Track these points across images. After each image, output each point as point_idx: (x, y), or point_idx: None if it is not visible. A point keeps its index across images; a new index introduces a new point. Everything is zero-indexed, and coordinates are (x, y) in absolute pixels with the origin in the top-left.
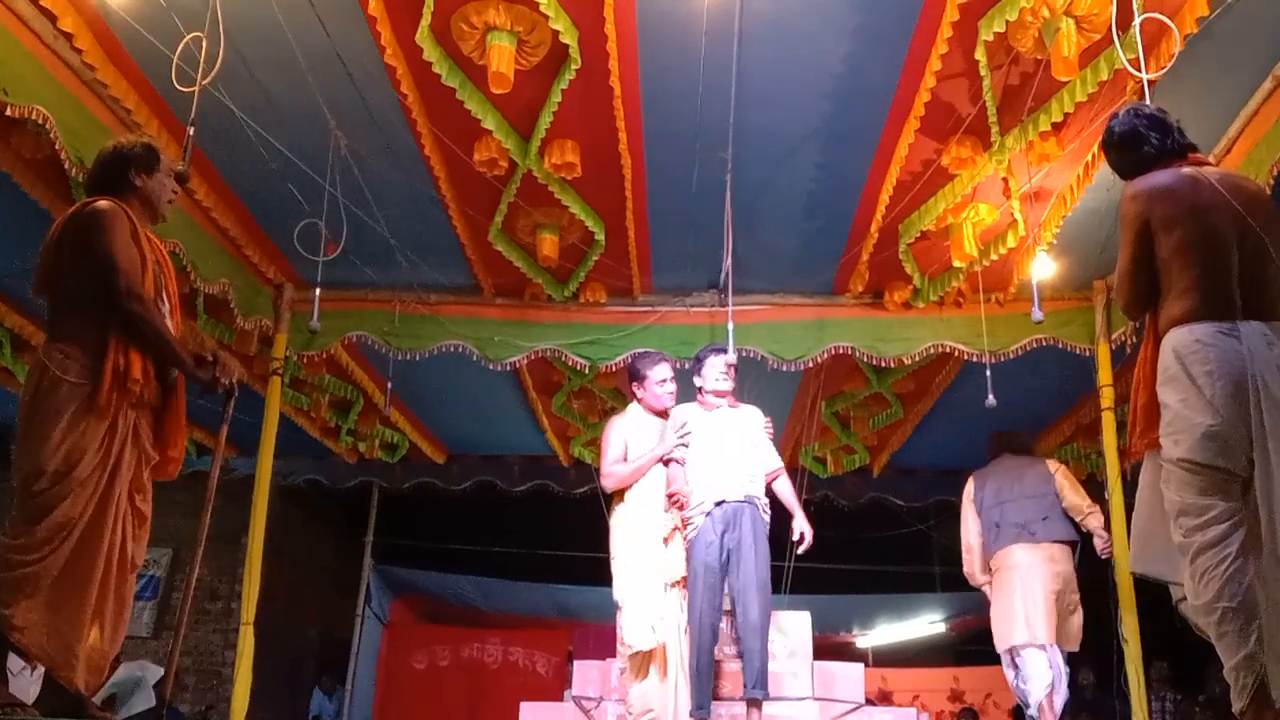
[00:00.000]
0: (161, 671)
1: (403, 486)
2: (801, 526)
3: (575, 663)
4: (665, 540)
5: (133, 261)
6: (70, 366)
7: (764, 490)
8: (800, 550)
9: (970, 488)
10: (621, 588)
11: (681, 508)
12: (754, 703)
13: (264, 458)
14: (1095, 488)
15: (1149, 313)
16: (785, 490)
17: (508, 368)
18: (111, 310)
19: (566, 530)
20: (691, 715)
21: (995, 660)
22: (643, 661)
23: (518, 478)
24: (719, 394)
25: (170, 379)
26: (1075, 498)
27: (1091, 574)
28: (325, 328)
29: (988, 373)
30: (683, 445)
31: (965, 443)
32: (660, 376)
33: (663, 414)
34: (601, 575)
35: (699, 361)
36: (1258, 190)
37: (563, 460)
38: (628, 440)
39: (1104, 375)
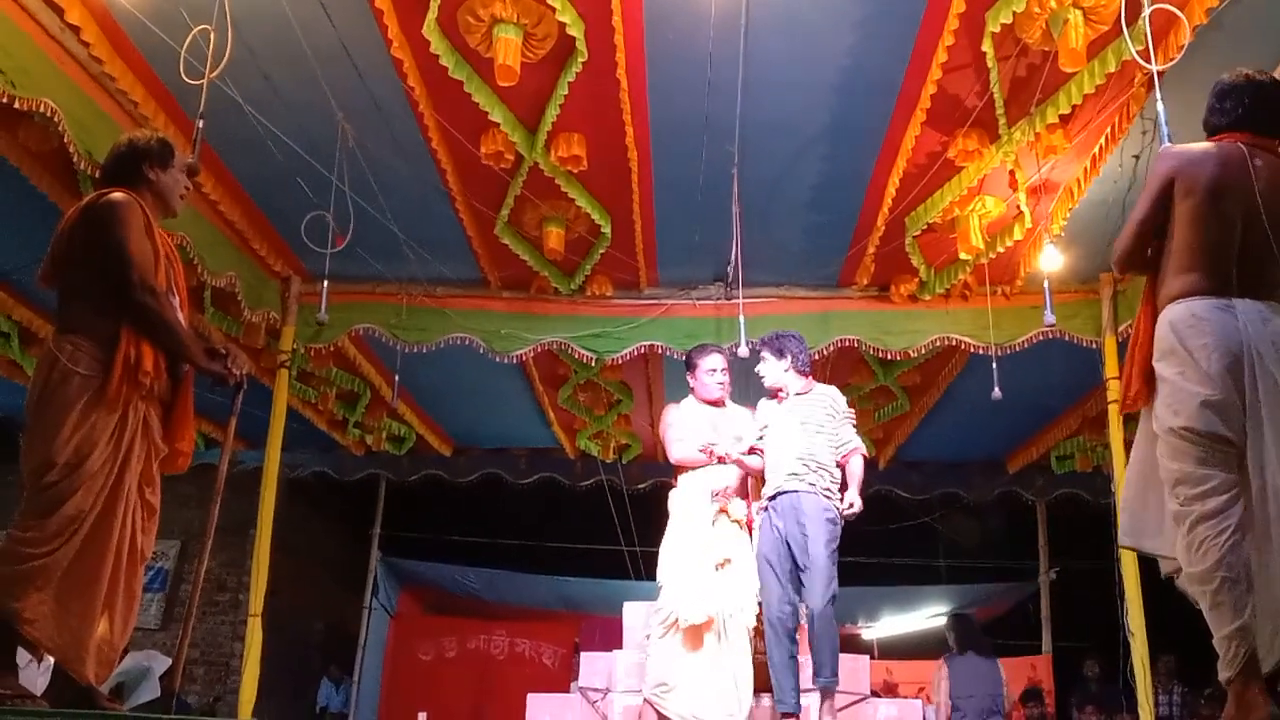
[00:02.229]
0: (169, 662)
1: (409, 479)
2: (852, 498)
3: (581, 654)
4: (712, 522)
5: (146, 254)
6: (81, 358)
7: (829, 474)
8: (847, 513)
9: (945, 670)
10: (661, 569)
11: (709, 455)
12: (825, 692)
13: (272, 450)
14: (1101, 481)
15: (1148, 280)
16: (853, 470)
17: (514, 360)
18: (123, 302)
19: (573, 523)
20: (776, 711)
21: (1001, 653)
22: (666, 632)
23: (524, 470)
24: (719, 401)
25: (179, 372)
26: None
27: (1099, 566)
28: (332, 320)
29: (994, 365)
30: (749, 449)
31: (971, 436)
32: (709, 367)
33: (714, 403)
34: (607, 568)
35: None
36: None
37: (569, 453)
38: (686, 430)
39: (1110, 368)
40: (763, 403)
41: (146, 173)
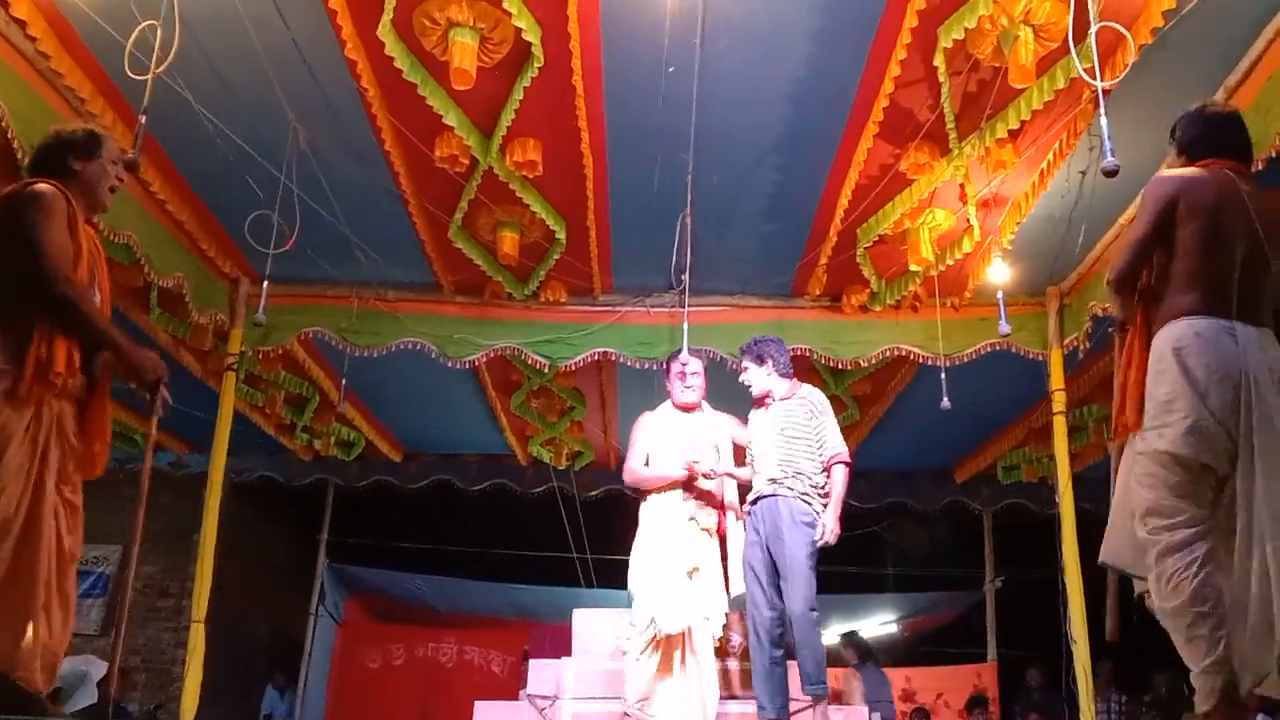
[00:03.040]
0: (106, 667)
1: (358, 484)
2: (826, 520)
3: (530, 661)
4: (678, 532)
5: (64, 246)
6: None
7: (808, 479)
8: (818, 543)
9: (859, 678)
10: (632, 579)
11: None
12: (816, 699)
13: (217, 454)
14: (1046, 492)
15: (1141, 301)
16: (833, 481)
17: (466, 366)
18: (39, 296)
19: (523, 530)
20: (758, 716)
21: (947, 660)
22: (646, 646)
23: (475, 477)
24: (688, 407)
25: (95, 371)
26: None
27: (1042, 575)
28: (281, 323)
29: (943, 376)
30: (705, 472)
31: (920, 446)
32: (678, 371)
33: (687, 409)
34: (558, 575)
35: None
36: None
37: (521, 459)
38: (651, 439)
39: (1056, 380)
40: (753, 413)
41: (72, 164)
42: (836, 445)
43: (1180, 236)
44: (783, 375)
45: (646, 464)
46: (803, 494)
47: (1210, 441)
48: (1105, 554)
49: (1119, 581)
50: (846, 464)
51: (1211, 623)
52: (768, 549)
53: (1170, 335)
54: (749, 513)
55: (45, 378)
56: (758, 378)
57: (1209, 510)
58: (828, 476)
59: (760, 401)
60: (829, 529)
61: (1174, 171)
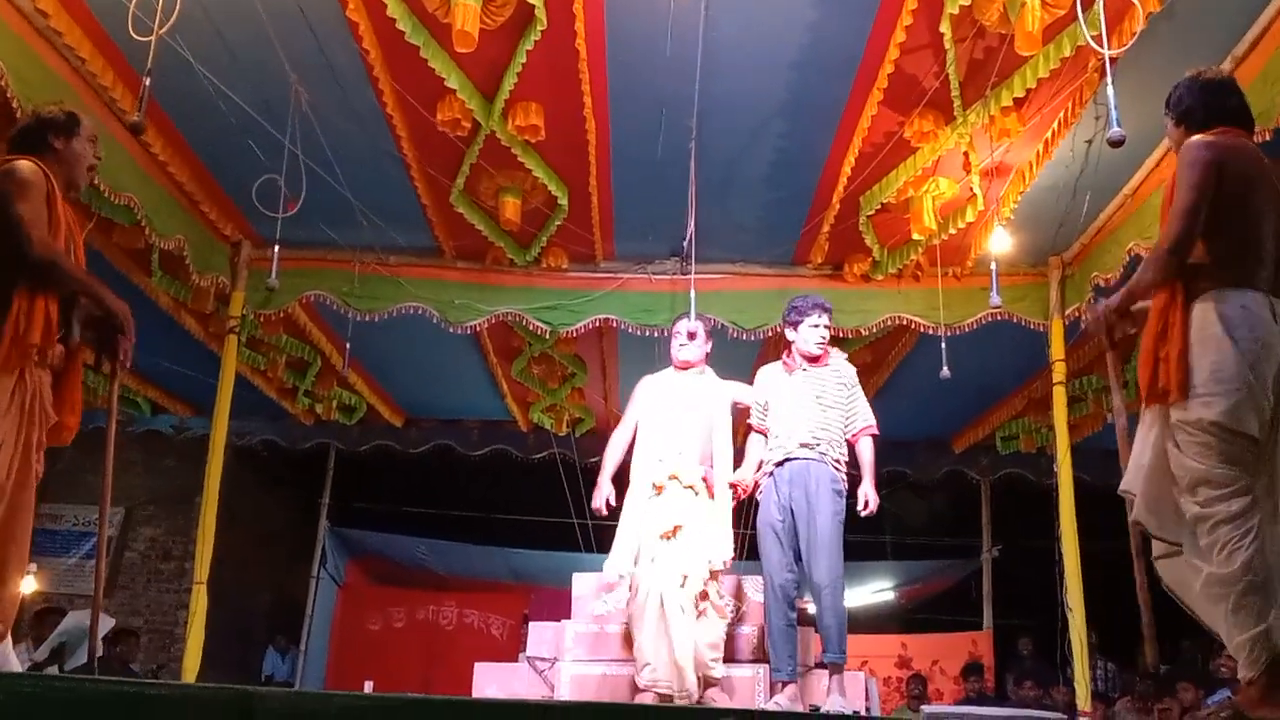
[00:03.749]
0: (112, 622)
1: (360, 449)
2: (867, 490)
3: (530, 624)
4: (658, 489)
5: (39, 216)
6: None
7: (839, 448)
8: (863, 513)
9: None
10: (615, 540)
11: (738, 499)
12: (832, 666)
13: (219, 417)
14: (1045, 462)
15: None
16: (863, 452)
17: (468, 331)
18: (19, 265)
19: (524, 495)
20: (772, 680)
21: (942, 628)
22: (639, 612)
23: (476, 442)
24: (685, 365)
25: (70, 343)
26: None
27: (1039, 545)
28: (283, 286)
29: (943, 345)
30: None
31: (919, 415)
32: (674, 331)
33: (683, 366)
34: (558, 540)
35: (801, 317)
36: None
37: (521, 425)
38: (642, 405)
39: (1056, 350)
40: (765, 370)
41: (52, 142)
42: (868, 417)
43: (1220, 203)
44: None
45: (634, 435)
46: (835, 461)
47: (1258, 412)
48: (1139, 513)
49: (1152, 607)
50: (876, 435)
51: (1263, 594)
52: (791, 511)
53: (1218, 306)
54: (770, 474)
55: (22, 349)
56: (822, 336)
57: (1255, 478)
58: (850, 451)
59: (787, 362)
60: (872, 499)
61: (1205, 137)
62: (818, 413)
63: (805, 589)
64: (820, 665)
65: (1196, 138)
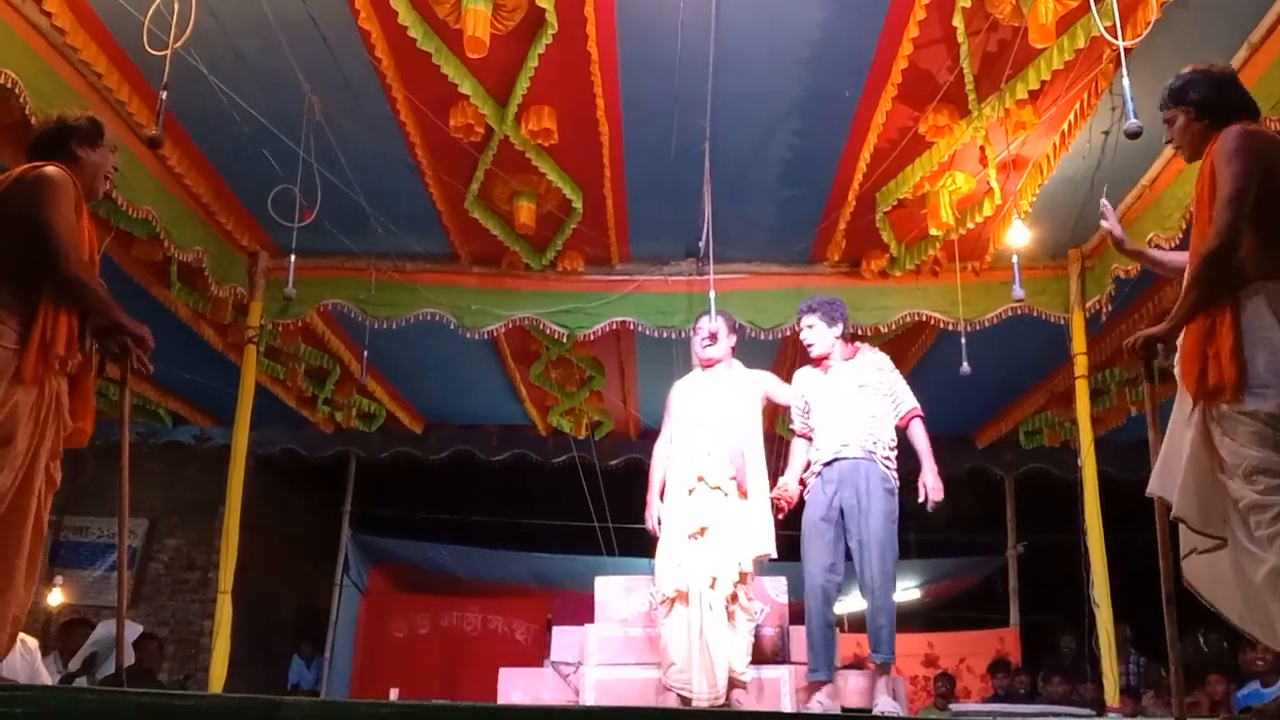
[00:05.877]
0: (140, 630)
1: (380, 456)
2: (926, 479)
3: (554, 629)
4: (690, 491)
5: (74, 228)
6: (6, 333)
7: (888, 443)
8: (928, 507)
9: None
10: (658, 550)
11: (780, 512)
12: (881, 667)
13: (240, 427)
14: (1069, 456)
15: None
16: (916, 438)
17: (485, 336)
18: (49, 276)
19: (544, 499)
20: (807, 680)
21: (969, 625)
22: (668, 611)
23: (495, 447)
24: (710, 362)
25: (85, 348)
26: None
27: (1065, 540)
28: (300, 295)
29: (963, 341)
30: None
31: (940, 411)
32: (696, 329)
33: (708, 364)
34: (580, 544)
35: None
36: None
37: (541, 430)
38: (672, 405)
39: (1078, 343)
40: (803, 372)
41: (76, 150)
42: (910, 400)
43: (1264, 196)
44: (844, 339)
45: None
46: (885, 458)
47: None
48: (1179, 508)
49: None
50: (922, 417)
51: None
52: (841, 511)
53: (1269, 300)
54: (818, 474)
55: (45, 357)
56: (824, 338)
57: None
58: (899, 436)
59: (818, 362)
60: (932, 488)
61: (1245, 126)
62: (863, 401)
63: (845, 590)
64: (847, 666)
65: (1236, 127)
